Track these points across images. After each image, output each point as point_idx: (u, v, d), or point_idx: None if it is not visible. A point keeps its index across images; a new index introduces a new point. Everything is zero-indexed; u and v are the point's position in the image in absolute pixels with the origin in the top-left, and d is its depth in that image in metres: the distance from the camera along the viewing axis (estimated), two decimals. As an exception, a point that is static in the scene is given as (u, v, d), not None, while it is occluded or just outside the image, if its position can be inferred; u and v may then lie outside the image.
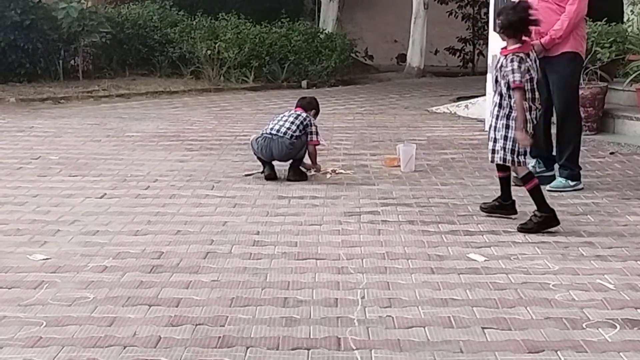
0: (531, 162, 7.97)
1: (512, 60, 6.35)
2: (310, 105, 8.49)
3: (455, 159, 9.29)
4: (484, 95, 11.55)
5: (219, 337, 4.41)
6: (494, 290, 5.13)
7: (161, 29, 17.35)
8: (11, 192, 7.63)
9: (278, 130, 8.08)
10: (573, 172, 7.74)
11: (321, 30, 18.30)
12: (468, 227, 6.53)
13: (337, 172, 8.48)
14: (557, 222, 6.41)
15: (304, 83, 16.73)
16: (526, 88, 6.31)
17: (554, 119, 7.97)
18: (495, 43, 10.92)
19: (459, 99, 13.76)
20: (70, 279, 5.30)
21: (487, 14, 16.21)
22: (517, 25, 6.44)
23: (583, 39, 7.85)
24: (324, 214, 6.94)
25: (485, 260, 5.71)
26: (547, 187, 7.67)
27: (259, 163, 8.29)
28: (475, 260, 5.72)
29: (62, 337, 4.39)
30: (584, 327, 4.58)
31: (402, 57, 20.40)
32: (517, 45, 6.41)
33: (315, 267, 5.56)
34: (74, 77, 16.22)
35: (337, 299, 4.98)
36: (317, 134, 8.21)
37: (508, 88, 6.33)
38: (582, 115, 8.15)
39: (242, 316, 4.70)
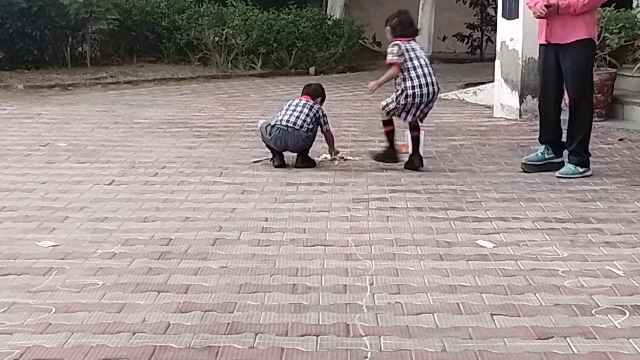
0: (540, 149, 7.96)
1: (392, 46, 8.00)
2: (316, 93, 8.47)
3: (463, 145, 9.27)
4: (492, 81, 11.52)
5: (228, 323, 4.42)
6: (502, 276, 5.13)
7: (169, 15, 17.32)
8: (20, 178, 7.65)
9: (294, 123, 8.06)
10: (582, 159, 7.72)
11: (329, 17, 18.24)
12: (476, 214, 6.52)
13: (345, 158, 8.47)
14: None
15: (311, 69, 16.69)
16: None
17: (564, 104, 7.95)
18: (504, 29, 10.92)
19: (467, 85, 13.72)
20: (79, 265, 5.31)
21: (495, 0, 16.16)
22: (398, 27, 8.08)
23: (595, 25, 7.82)
24: (332, 201, 6.94)
25: (494, 247, 5.70)
26: (557, 173, 7.68)
27: (267, 150, 8.28)
28: (484, 246, 5.72)
29: (72, 324, 4.39)
30: (593, 313, 4.57)
31: (410, 44, 20.31)
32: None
33: (324, 254, 5.56)
34: (82, 64, 16.22)
35: (345, 285, 4.98)
36: (327, 122, 8.29)
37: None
38: (593, 101, 8.10)
39: (251, 302, 4.70)
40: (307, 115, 8.14)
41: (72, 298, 4.75)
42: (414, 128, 8.17)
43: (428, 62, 8.16)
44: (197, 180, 7.61)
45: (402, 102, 7.97)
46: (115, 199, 6.95)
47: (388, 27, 8.14)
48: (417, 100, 7.96)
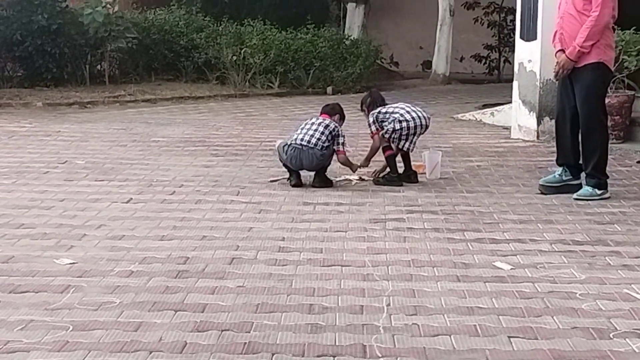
0: (557, 171, 7.94)
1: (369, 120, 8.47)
2: (334, 111, 8.50)
3: (481, 166, 9.26)
4: (510, 102, 11.51)
5: (245, 343, 4.42)
6: (520, 299, 5.11)
7: (187, 34, 17.41)
8: (38, 196, 7.68)
9: (309, 142, 8.08)
10: (600, 181, 7.69)
11: (346, 37, 18.30)
12: (494, 235, 6.51)
13: (363, 178, 8.47)
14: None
15: (329, 89, 16.73)
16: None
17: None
18: (522, 50, 10.93)
19: (485, 106, 13.72)
20: (97, 283, 5.33)
21: (513, 21, 16.16)
22: (371, 104, 8.56)
23: (608, 47, 7.73)
24: (349, 221, 6.94)
25: (511, 269, 5.68)
26: (574, 195, 7.65)
27: (284, 169, 8.29)
28: (501, 268, 5.70)
29: (89, 342, 4.40)
30: (611, 337, 4.54)
31: (428, 64, 20.36)
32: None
33: (341, 274, 5.55)
34: (101, 82, 16.31)
35: (362, 306, 4.97)
36: (344, 143, 8.27)
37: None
38: (609, 123, 8.10)
39: (268, 322, 4.70)
40: (322, 133, 8.16)
41: (89, 316, 4.76)
42: (388, 148, 8.33)
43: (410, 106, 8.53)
44: (214, 199, 7.62)
45: (397, 127, 8.19)
46: (132, 217, 6.97)
47: (365, 109, 8.63)
48: (410, 124, 8.21)
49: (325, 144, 8.13)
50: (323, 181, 8.20)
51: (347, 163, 8.37)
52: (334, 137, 8.18)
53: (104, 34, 15.96)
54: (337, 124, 8.31)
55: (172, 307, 4.90)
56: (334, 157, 8.26)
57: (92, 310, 4.85)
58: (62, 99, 14.64)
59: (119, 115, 13.17)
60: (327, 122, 8.26)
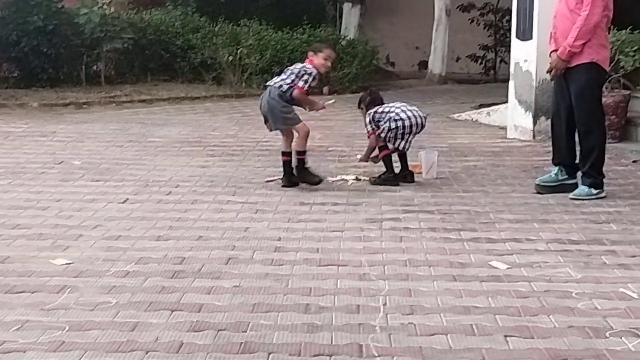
0: (553, 170, 7.95)
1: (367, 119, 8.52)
2: (315, 48, 8.41)
3: (477, 166, 9.27)
4: (506, 102, 11.52)
5: (241, 343, 4.42)
6: (516, 298, 5.11)
7: (183, 34, 17.39)
8: (34, 196, 7.68)
9: (275, 82, 8.07)
10: (596, 181, 7.70)
11: (343, 37, 18.29)
12: (490, 235, 6.51)
13: (359, 178, 8.47)
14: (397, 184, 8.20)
15: (325, 89, 16.70)
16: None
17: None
18: (518, 50, 10.94)
19: (481, 106, 13.72)
20: (93, 283, 5.32)
21: (509, 21, 16.16)
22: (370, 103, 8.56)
23: (602, 47, 7.70)
24: (345, 221, 6.94)
25: (507, 268, 5.68)
26: (570, 195, 7.65)
27: (281, 169, 8.26)
28: (497, 267, 5.70)
29: (85, 342, 4.40)
30: (607, 336, 4.55)
31: (424, 64, 20.36)
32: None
33: (337, 274, 5.55)
34: (97, 82, 16.29)
35: (359, 305, 4.97)
36: (306, 82, 7.96)
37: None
38: (605, 123, 8.09)
39: (264, 322, 4.70)
40: (292, 72, 8.06)
41: (85, 316, 4.76)
42: (384, 147, 8.33)
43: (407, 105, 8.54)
44: (210, 199, 7.62)
45: (393, 126, 8.18)
46: (128, 218, 6.97)
47: (363, 108, 8.59)
48: (406, 123, 8.19)
49: (286, 86, 7.94)
50: (306, 176, 8.13)
51: (301, 99, 8.07)
52: (298, 76, 7.99)
53: (99, 35, 15.94)
54: (311, 68, 8.06)
55: (169, 307, 4.90)
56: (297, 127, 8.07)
57: (88, 311, 4.85)
58: (58, 99, 14.61)
59: (115, 116, 13.16)
60: (302, 64, 8.14)
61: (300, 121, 8.07)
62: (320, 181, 8.11)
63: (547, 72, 7.80)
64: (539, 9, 10.35)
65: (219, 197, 7.73)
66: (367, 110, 8.45)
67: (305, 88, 7.96)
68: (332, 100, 9.22)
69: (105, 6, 16.37)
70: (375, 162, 8.47)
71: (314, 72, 8.00)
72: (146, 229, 6.60)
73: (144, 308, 4.89)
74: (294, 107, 8.08)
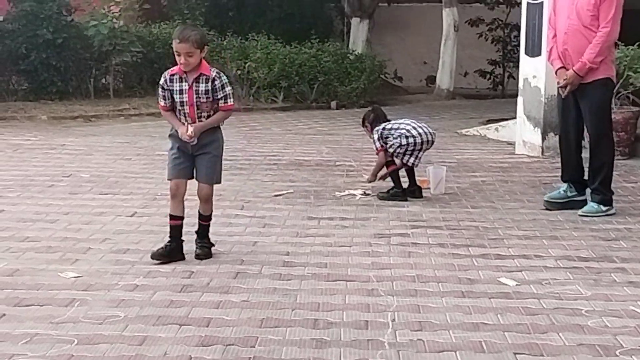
0: (562, 187, 7.93)
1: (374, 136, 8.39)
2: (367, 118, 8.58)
3: (485, 181, 9.25)
4: (514, 118, 11.51)
5: (249, 357, 4.41)
6: (525, 315, 5.09)
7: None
8: (43, 209, 7.68)
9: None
10: (605, 197, 7.68)
11: (351, 51, 18.33)
12: (499, 251, 6.50)
13: (367, 193, 8.46)
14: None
15: (333, 104, 16.74)
16: None
17: (585, 143, 7.93)
18: (526, 66, 10.94)
19: (489, 121, 13.72)
20: (101, 297, 5.32)
21: (517, 37, 16.18)
22: (374, 120, 8.45)
23: (613, 63, 7.79)
24: (353, 236, 6.93)
25: (516, 285, 5.67)
26: (579, 211, 7.63)
27: (290, 183, 8.26)
28: (506, 284, 5.68)
29: (94, 356, 4.40)
30: (617, 354, 4.53)
31: (432, 79, 20.38)
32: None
33: (346, 289, 5.54)
34: (105, 95, 16.35)
35: (367, 321, 4.96)
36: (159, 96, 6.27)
37: None
38: (614, 139, 8.09)
39: (273, 337, 4.69)
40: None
41: (94, 330, 4.76)
42: (392, 163, 8.35)
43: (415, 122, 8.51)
44: (218, 213, 7.59)
45: (404, 142, 8.17)
46: (137, 231, 6.97)
47: (367, 125, 8.56)
48: (417, 140, 8.19)
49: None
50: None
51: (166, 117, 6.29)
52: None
53: (108, 48, 16.00)
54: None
55: (177, 322, 4.90)
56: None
57: (97, 324, 4.84)
58: (67, 112, 14.65)
59: (124, 129, 13.18)
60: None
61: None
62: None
63: (560, 87, 7.73)
64: (548, 25, 10.33)
65: (227, 211, 7.73)
66: (372, 128, 8.44)
67: (160, 103, 6.33)
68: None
69: (114, 20, 16.41)
70: (383, 180, 8.46)
71: (162, 79, 6.26)
72: (154, 242, 6.59)
73: (153, 322, 4.89)
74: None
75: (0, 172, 9.44)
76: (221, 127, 6.31)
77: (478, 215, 7.69)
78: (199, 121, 6.11)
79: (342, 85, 17.06)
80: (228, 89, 6.19)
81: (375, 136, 8.34)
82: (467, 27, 19.74)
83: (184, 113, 6.11)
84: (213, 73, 6.14)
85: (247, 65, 16.47)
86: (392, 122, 8.43)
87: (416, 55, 21.56)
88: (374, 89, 17.74)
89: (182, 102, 6.09)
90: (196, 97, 6.07)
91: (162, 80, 6.20)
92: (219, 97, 6.13)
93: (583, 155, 7.90)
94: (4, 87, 16.13)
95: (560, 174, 8.08)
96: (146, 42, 17.08)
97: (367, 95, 17.31)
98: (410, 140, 8.18)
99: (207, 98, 6.08)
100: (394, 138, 8.21)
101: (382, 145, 8.30)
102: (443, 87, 18.83)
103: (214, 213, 7.45)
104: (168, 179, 6.26)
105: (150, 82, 17.17)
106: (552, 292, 5.53)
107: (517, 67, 12.09)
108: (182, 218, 6.18)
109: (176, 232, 6.16)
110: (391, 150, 8.23)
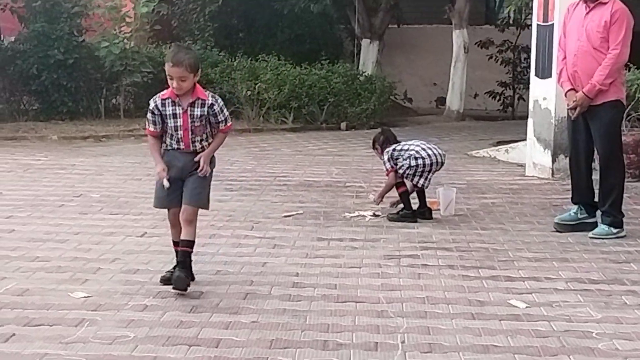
0: (573, 209, 7.92)
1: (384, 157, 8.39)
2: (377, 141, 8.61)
3: (495, 203, 9.24)
4: (524, 140, 11.51)
5: (259, 379, 4.40)
6: (535, 337, 5.07)
7: (202, 69, 17.46)
8: (53, 229, 7.70)
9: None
10: (616, 220, 7.66)
11: (361, 73, 18.37)
12: (509, 273, 6.48)
13: (376, 214, 8.46)
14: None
15: (343, 125, 16.76)
16: None
17: (595, 165, 7.92)
18: (537, 88, 10.94)
19: (499, 143, 13.72)
20: (111, 317, 5.32)
21: (527, 58, 16.19)
22: (384, 142, 8.50)
23: (623, 85, 7.81)
24: (363, 257, 6.92)
25: (526, 307, 5.64)
26: (590, 233, 7.61)
27: (299, 204, 8.27)
28: (516, 306, 5.66)
29: (103, 376, 4.39)
30: (628, 377, 4.51)
31: (441, 101, 20.41)
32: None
33: (355, 310, 5.53)
34: (116, 115, 16.41)
35: (377, 342, 4.95)
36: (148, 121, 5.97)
37: None
38: (625, 161, 8.08)
39: (282, 358, 4.68)
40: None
41: (103, 350, 4.75)
42: (402, 184, 8.33)
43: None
44: (228, 234, 7.62)
45: (413, 164, 8.18)
46: (147, 251, 6.98)
47: (378, 147, 8.61)
48: (426, 162, 8.21)
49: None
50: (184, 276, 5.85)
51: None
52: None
53: (119, 68, 16.09)
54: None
55: (186, 342, 4.89)
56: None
57: (107, 344, 4.84)
58: (77, 132, 14.72)
59: (134, 149, 13.21)
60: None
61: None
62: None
63: (570, 109, 7.73)
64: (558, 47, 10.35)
65: (236, 231, 7.74)
66: (382, 150, 8.45)
67: (149, 129, 6.01)
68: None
69: (125, 40, 16.50)
70: (395, 206, 8.43)
71: (152, 104, 5.95)
72: (164, 262, 6.59)
73: (162, 342, 4.88)
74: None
75: (11, 192, 9.47)
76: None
77: (488, 237, 7.68)
78: (192, 145, 5.95)
79: (352, 106, 17.09)
80: (225, 110, 6.05)
81: (385, 157, 8.34)
82: (477, 49, 19.76)
83: (177, 138, 5.92)
84: (210, 98, 5.94)
85: (257, 86, 16.53)
86: (402, 143, 8.44)
87: (426, 76, 21.60)
88: (384, 110, 17.76)
89: (176, 126, 5.89)
90: (191, 122, 5.87)
91: (152, 105, 5.91)
92: (220, 120, 5.99)
93: (593, 177, 7.90)
94: (15, 107, 16.24)
95: (570, 196, 8.06)
96: (157, 62, 17.11)
97: (377, 116, 17.33)
98: (420, 161, 8.18)
99: (201, 122, 5.90)
100: (403, 159, 8.22)
101: (392, 166, 8.30)
102: (453, 109, 18.85)
103: (223, 234, 7.48)
104: (156, 207, 6.24)
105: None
106: (563, 314, 5.51)
107: (527, 88, 12.10)
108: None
109: None
110: (401, 171, 8.24)
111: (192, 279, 5.98)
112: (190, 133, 5.92)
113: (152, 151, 6.07)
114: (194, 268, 6.21)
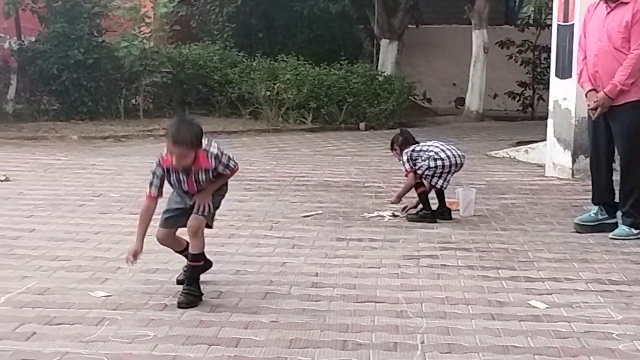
0: (593, 210, 7.88)
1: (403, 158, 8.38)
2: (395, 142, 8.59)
3: (515, 204, 9.22)
4: (544, 140, 11.48)
5: (278, 378, 4.40)
6: (556, 338, 5.05)
7: (221, 69, 17.55)
8: (73, 228, 7.73)
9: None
10: (636, 220, 7.62)
11: (380, 73, 18.37)
12: (529, 274, 6.46)
13: (395, 215, 8.45)
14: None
15: (362, 125, 16.76)
16: None
17: (615, 165, 7.88)
18: (557, 88, 10.90)
19: (519, 143, 13.68)
20: (131, 316, 5.33)
21: (547, 59, 16.16)
22: (403, 143, 8.47)
23: (643, 85, 7.75)
24: (382, 257, 6.92)
25: (546, 308, 5.62)
26: (610, 234, 7.58)
27: (318, 204, 8.27)
28: (536, 307, 5.64)
29: (123, 375, 4.41)
30: (650, 378, 4.49)
31: (461, 101, 20.39)
32: None
33: (375, 310, 5.53)
34: (135, 115, 16.47)
35: (396, 343, 4.94)
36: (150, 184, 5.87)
37: None
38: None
39: (301, 358, 4.68)
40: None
41: (124, 349, 4.77)
42: (421, 185, 8.30)
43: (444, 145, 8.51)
44: (247, 234, 7.63)
45: (432, 165, 8.18)
46: (166, 251, 6.93)
47: (397, 148, 8.54)
48: (445, 163, 8.21)
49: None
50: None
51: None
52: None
53: (139, 68, 16.14)
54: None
55: (206, 341, 4.90)
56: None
57: (127, 343, 4.85)
58: (97, 132, 14.78)
59: (153, 149, 13.22)
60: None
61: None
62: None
63: (591, 110, 7.69)
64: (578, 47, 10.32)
65: (256, 231, 7.75)
66: (401, 151, 8.43)
67: (150, 192, 5.89)
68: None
69: (145, 40, 16.56)
70: (414, 208, 8.41)
71: (155, 167, 5.83)
72: (183, 262, 6.57)
73: (182, 342, 4.89)
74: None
75: (31, 192, 9.51)
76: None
77: (508, 237, 7.66)
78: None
79: (371, 106, 17.08)
80: (230, 160, 5.83)
81: (405, 158, 8.32)
82: (496, 49, 19.73)
83: (184, 190, 5.82)
84: (212, 162, 5.69)
85: (276, 86, 16.55)
86: (421, 144, 8.42)
87: (445, 76, 21.57)
88: (403, 110, 17.76)
89: (182, 187, 5.78)
90: (197, 184, 5.72)
91: (155, 168, 5.75)
92: (226, 173, 5.86)
93: (614, 177, 7.86)
94: (36, 107, 16.32)
95: (590, 196, 8.03)
96: (176, 63, 17.22)
97: (396, 116, 17.32)
98: (439, 162, 8.17)
99: (207, 179, 5.74)
100: (422, 160, 8.21)
101: (411, 167, 8.29)
102: (472, 109, 18.82)
103: (242, 234, 7.48)
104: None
105: (179, 102, 17.32)
106: (583, 315, 5.49)
107: (547, 89, 12.06)
108: (186, 248, 6.00)
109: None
110: (420, 172, 8.22)
111: (200, 295, 5.71)
112: (196, 188, 5.78)
113: (140, 223, 5.84)
114: (214, 267, 6.23)
